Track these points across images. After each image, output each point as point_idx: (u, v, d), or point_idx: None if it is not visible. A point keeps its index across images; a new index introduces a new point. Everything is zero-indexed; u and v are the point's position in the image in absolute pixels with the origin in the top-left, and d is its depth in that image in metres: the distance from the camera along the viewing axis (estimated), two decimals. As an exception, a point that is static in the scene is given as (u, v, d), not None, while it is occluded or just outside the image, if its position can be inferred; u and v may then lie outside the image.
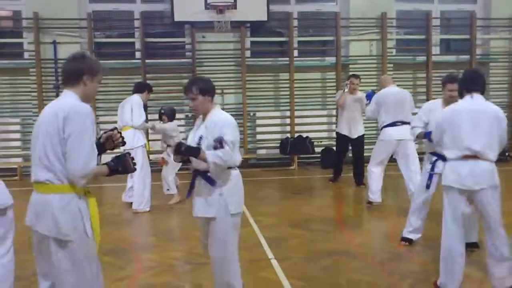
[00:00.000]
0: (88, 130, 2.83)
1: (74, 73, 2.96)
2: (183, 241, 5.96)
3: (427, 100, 11.32)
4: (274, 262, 4.99)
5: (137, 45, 11.01)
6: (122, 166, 3.05)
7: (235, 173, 3.78)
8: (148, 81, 9.41)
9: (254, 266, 4.89)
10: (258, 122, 11.36)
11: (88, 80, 2.98)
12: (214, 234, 3.71)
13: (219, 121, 3.65)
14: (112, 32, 11.33)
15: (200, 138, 3.65)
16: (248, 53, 11.20)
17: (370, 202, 7.29)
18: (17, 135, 10.87)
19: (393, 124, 7.00)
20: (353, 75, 8.89)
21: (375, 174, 7.21)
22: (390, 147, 7.04)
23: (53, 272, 2.93)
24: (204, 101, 3.69)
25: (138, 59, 10.87)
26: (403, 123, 6.94)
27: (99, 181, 8.63)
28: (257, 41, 11.51)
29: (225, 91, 11.02)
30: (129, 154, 3.13)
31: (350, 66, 11.24)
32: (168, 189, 7.75)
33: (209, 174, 3.64)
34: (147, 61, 10.74)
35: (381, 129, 7.15)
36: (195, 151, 3.58)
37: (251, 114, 11.30)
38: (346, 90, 8.71)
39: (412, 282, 4.44)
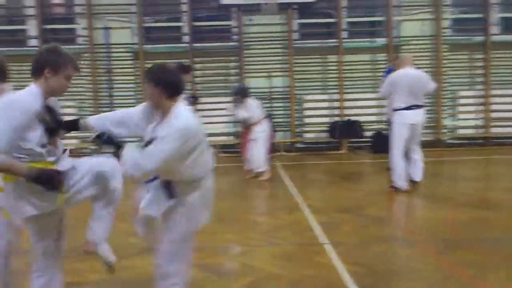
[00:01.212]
0: (10, 117, 2.70)
1: (36, 66, 2.92)
2: (234, 224, 5.96)
3: (485, 82, 10.93)
4: (328, 247, 4.90)
5: (185, 29, 11.03)
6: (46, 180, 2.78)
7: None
8: (195, 65, 9.46)
9: (307, 250, 4.83)
10: (306, 105, 11.23)
11: (49, 74, 2.88)
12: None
13: (177, 130, 3.07)
14: (161, 16, 11.39)
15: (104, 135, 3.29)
16: (295, 35, 11.07)
17: (394, 187, 7.04)
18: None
19: (408, 108, 6.87)
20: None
21: (397, 159, 7.01)
22: (406, 130, 6.90)
23: None
24: (158, 94, 3.11)
25: (185, 43, 10.90)
26: (418, 106, 6.87)
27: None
28: (305, 23, 11.33)
29: (272, 74, 10.93)
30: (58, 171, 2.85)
31: (402, 47, 10.92)
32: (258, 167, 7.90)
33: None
34: (194, 45, 10.76)
35: (395, 111, 6.98)
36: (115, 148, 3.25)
37: (299, 97, 11.18)
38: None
39: (475, 273, 4.26)
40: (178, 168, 3.13)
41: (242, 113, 8.03)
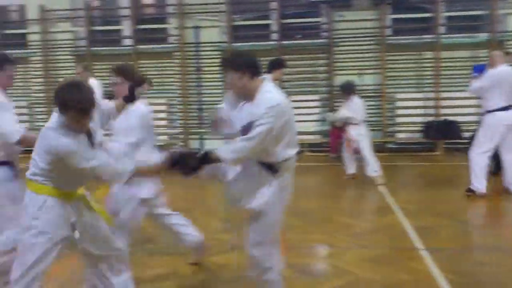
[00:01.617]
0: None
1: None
2: (324, 224, 5.74)
3: None
4: (424, 253, 4.57)
5: (274, 27, 10.95)
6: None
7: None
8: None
9: (401, 255, 4.55)
10: (398, 104, 10.76)
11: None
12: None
13: (263, 102, 3.01)
14: (250, 14, 11.38)
15: (249, 124, 3.04)
16: (388, 31, 10.62)
17: (471, 191, 6.52)
18: (163, 115, 11.40)
19: (505, 108, 6.35)
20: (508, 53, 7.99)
21: (480, 163, 6.49)
22: (499, 132, 6.38)
23: None
24: (241, 79, 3.04)
25: (274, 40, 10.80)
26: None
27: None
28: (399, 18, 10.84)
29: (363, 71, 10.56)
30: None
31: (507, 42, 10.16)
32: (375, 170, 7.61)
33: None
34: (283, 42, 10.63)
35: (488, 112, 6.45)
36: (211, 160, 3.08)
37: (391, 96, 10.73)
38: None
39: None
40: (274, 148, 3.03)
41: (344, 112, 7.72)
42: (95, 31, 11.69)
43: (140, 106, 3.78)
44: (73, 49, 11.61)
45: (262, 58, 10.39)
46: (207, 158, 3.02)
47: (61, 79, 11.24)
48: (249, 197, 3.13)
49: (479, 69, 6.87)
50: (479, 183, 6.49)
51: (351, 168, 7.88)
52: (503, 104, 6.36)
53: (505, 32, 10.27)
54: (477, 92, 6.73)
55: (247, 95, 3.06)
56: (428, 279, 3.98)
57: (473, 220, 5.75)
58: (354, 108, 7.60)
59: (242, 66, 3.00)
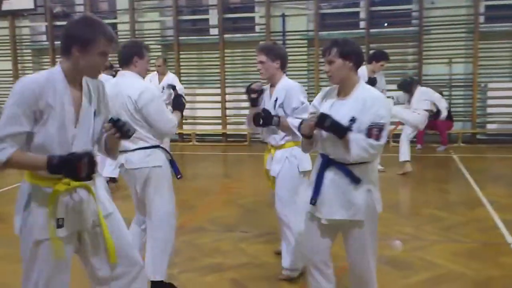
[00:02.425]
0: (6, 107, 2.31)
1: (64, 43, 2.40)
2: (412, 216, 5.79)
3: None
4: (516, 249, 4.55)
5: (362, 14, 10.88)
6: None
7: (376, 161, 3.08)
8: (370, 51, 9.27)
9: (491, 250, 4.55)
10: (490, 94, 10.41)
11: (77, 52, 2.36)
12: (355, 241, 2.99)
13: (378, 99, 2.88)
14: (338, 2, 11.34)
15: (353, 119, 2.83)
16: (482, 19, 10.27)
17: None
18: (247, 104, 11.62)
19: None
20: None
21: None
22: None
23: None
24: (345, 68, 2.88)
25: (362, 28, 10.75)
26: None
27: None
28: (493, 5, 10.46)
29: (453, 60, 10.30)
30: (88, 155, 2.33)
31: None
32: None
33: (346, 167, 2.89)
34: (371, 30, 10.56)
35: None
36: (342, 131, 2.79)
37: (482, 85, 10.40)
38: None
39: None
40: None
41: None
42: (182, 20, 11.97)
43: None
44: (161, 38, 12.01)
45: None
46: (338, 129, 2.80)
47: (149, 70, 11.78)
48: (335, 207, 2.97)
49: None
50: None
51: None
52: None
53: None
54: None
55: (345, 88, 2.94)
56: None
57: None
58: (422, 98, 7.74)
59: (352, 56, 2.87)
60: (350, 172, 2.87)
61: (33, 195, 2.41)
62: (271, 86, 3.99)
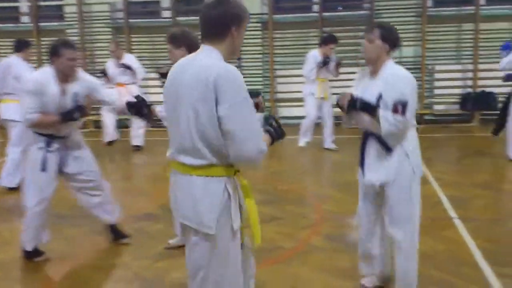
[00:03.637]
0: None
1: (220, 23, 2.31)
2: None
3: None
4: (458, 222, 4.85)
5: (316, -2, 11.05)
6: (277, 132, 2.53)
7: (414, 130, 3.35)
8: (324, 35, 9.46)
9: (436, 225, 4.80)
10: (437, 76, 10.82)
11: (236, 32, 2.33)
12: (394, 204, 3.31)
13: (400, 77, 3.13)
14: (292, -14, 11.45)
15: (380, 97, 3.10)
16: (430, 3, 10.62)
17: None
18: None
19: None
20: None
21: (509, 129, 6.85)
22: None
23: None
24: (381, 49, 3.16)
25: (315, 12, 10.93)
26: None
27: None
28: (441, -10, 10.84)
29: (403, 43, 10.60)
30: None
31: (548, 14, 10.08)
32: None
33: (382, 139, 3.21)
34: (324, 14, 10.75)
35: None
36: (373, 110, 3.10)
37: (430, 67, 10.80)
38: None
39: None
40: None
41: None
42: (132, 2, 11.74)
43: None
44: (111, 21, 11.73)
45: (303, 30, 10.72)
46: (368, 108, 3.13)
47: (98, 52, 11.59)
48: (377, 170, 3.32)
49: (506, 48, 7.07)
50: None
51: None
52: None
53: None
54: (508, 67, 6.94)
55: (376, 67, 3.21)
56: (461, 248, 4.24)
57: (507, 189, 5.93)
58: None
59: (388, 39, 3.15)
60: (384, 143, 3.20)
61: (227, 188, 2.33)
62: None
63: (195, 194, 2.29)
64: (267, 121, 2.50)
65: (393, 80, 3.09)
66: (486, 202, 5.47)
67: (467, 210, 5.20)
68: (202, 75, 2.18)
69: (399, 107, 3.03)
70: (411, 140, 3.28)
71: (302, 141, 8.46)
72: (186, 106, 2.22)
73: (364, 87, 3.26)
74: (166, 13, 11.59)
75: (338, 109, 3.45)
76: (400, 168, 3.23)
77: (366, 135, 3.34)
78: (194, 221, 2.31)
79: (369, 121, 3.18)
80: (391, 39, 3.17)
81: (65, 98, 4.06)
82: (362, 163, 3.41)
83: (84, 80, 4.22)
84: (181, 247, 4.21)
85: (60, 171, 4.22)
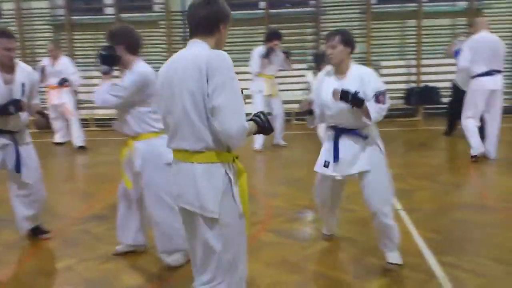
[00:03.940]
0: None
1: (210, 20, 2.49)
2: (309, 190, 6.06)
3: None
4: (403, 213, 4.96)
5: (262, -4, 11.06)
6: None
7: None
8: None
9: (382, 216, 4.89)
10: (383, 71, 11.04)
11: (223, 28, 2.55)
12: (372, 182, 3.76)
13: (371, 74, 3.64)
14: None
15: (356, 93, 3.47)
16: (374, 0, 10.83)
17: (474, 156, 6.87)
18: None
19: (488, 73, 6.64)
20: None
21: (470, 127, 6.87)
22: (483, 97, 6.71)
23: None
24: (344, 52, 3.61)
25: (262, 9, 10.94)
26: (497, 71, 6.66)
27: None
28: (383, -13, 11.07)
29: (348, 40, 10.76)
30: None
31: (484, 11, 10.45)
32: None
33: (357, 130, 3.68)
34: (270, 11, 10.78)
35: (474, 77, 6.76)
36: (361, 103, 3.49)
37: (376, 63, 11.01)
38: (460, 39, 8.27)
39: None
40: None
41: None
42: (74, -1, 11.51)
43: None
44: (51, 18, 11.43)
45: (250, 27, 10.71)
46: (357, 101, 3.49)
47: (38, 51, 11.21)
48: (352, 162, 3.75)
49: (457, 54, 7.16)
50: (474, 144, 6.87)
51: None
52: (484, 69, 6.64)
53: (482, 1, 10.56)
54: (464, 65, 6.87)
55: (342, 68, 3.68)
56: (406, 238, 4.30)
57: (450, 180, 6.11)
58: None
59: (350, 44, 3.64)
60: (361, 134, 3.68)
61: (227, 173, 2.46)
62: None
63: (197, 181, 2.41)
64: (256, 113, 2.61)
65: (368, 77, 3.58)
66: (429, 194, 5.62)
67: (412, 201, 5.33)
68: (195, 62, 2.35)
69: (381, 97, 3.52)
70: (374, 128, 3.79)
71: (258, 144, 8.24)
72: (183, 92, 2.36)
73: (331, 86, 3.63)
74: (109, 10, 11.33)
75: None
76: (375, 154, 3.74)
77: (338, 131, 3.74)
78: (197, 207, 2.42)
79: (353, 113, 3.59)
80: (351, 42, 3.62)
81: (11, 88, 3.97)
82: (336, 157, 3.75)
83: (29, 73, 4.14)
84: (127, 253, 4.15)
85: (4, 167, 4.11)
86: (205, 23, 2.48)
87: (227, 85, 2.33)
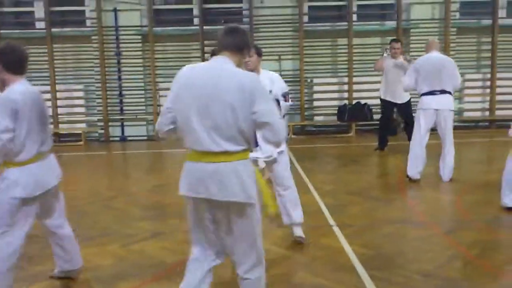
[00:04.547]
0: None
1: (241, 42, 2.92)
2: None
3: (492, 65, 10.92)
4: (336, 229, 4.99)
5: (195, 11, 11.03)
6: None
7: None
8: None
9: (316, 232, 4.91)
10: (316, 88, 11.26)
11: (246, 52, 3.00)
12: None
13: (278, 76, 4.46)
14: (170, -2, 11.39)
15: (270, 91, 4.09)
16: (306, 18, 11.06)
17: (408, 177, 6.82)
18: (81, 101, 11.22)
19: (431, 93, 6.62)
20: (394, 40, 8.83)
21: (411, 148, 6.82)
22: (429, 117, 6.65)
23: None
24: (258, 61, 4.29)
25: (196, 25, 10.90)
26: (442, 92, 6.60)
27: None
28: (315, 6, 11.34)
29: (282, 57, 10.92)
30: None
31: (412, 30, 10.92)
32: None
33: None
34: (205, 27, 10.76)
35: (420, 97, 6.78)
36: (278, 102, 4.21)
37: (308, 80, 11.21)
38: (385, 54, 8.61)
39: (480, 252, 4.35)
40: None
41: None
42: (3, 12, 11.19)
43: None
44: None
45: (184, 43, 10.61)
46: None
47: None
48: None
49: None
50: (413, 170, 6.78)
51: None
52: (427, 89, 6.63)
53: (410, 21, 11.02)
54: (409, 83, 6.86)
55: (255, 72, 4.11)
56: (339, 253, 4.36)
57: (381, 196, 6.24)
58: None
59: (260, 53, 4.36)
60: None
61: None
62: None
63: (242, 175, 2.81)
64: None
65: (277, 79, 4.38)
66: (361, 209, 5.70)
67: (344, 217, 5.38)
68: (237, 81, 2.76)
69: (288, 97, 4.39)
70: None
71: None
72: (223, 104, 2.73)
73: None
74: (40, 24, 11.00)
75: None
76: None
77: None
78: (243, 197, 2.81)
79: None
80: (261, 53, 4.36)
81: None
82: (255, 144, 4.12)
83: None
84: (61, 278, 3.94)
85: None
86: (239, 43, 2.90)
87: (272, 105, 2.95)
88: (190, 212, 2.99)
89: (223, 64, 2.86)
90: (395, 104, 8.70)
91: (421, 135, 6.73)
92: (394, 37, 9.10)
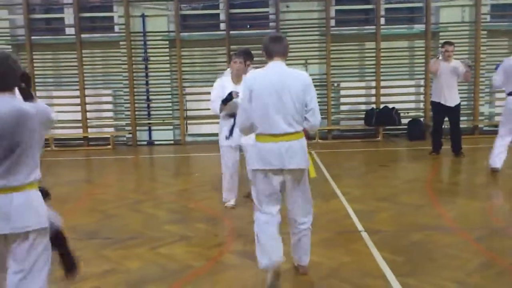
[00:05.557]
0: None
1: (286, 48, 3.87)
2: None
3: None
4: (365, 235, 4.93)
5: (222, 17, 11.08)
6: None
7: None
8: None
9: (344, 238, 4.88)
10: (342, 92, 11.18)
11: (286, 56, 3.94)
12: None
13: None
14: (198, 4, 11.44)
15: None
16: (332, 22, 11.00)
17: (492, 168, 7.24)
18: (109, 106, 11.37)
19: None
20: (447, 42, 8.53)
21: (499, 142, 7.20)
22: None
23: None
24: (246, 66, 5.51)
25: (222, 30, 10.95)
26: None
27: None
28: (342, 10, 11.27)
29: (308, 61, 10.88)
30: None
31: (441, 33, 10.76)
32: None
33: None
34: (231, 32, 10.80)
35: (507, 96, 7.11)
36: None
37: (335, 84, 11.13)
38: (440, 57, 8.39)
39: (513, 260, 4.25)
40: None
41: None
42: (35, 19, 11.37)
43: None
44: (11, 38, 11.26)
45: (210, 48, 10.67)
46: None
47: None
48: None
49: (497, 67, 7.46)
50: (495, 161, 7.20)
51: None
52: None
53: (439, 24, 10.85)
54: (498, 84, 7.27)
55: (240, 79, 5.57)
56: (368, 259, 4.30)
57: (410, 202, 6.14)
58: None
59: (249, 58, 5.78)
60: None
61: None
62: None
63: (305, 148, 3.85)
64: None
65: None
66: (389, 215, 5.62)
67: (373, 223, 5.31)
68: (300, 79, 3.76)
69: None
70: None
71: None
72: (291, 95, 3.68)
73: (231, 88, 5.61)
74: (70, 30, 11.18)
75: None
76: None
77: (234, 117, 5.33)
78: (305, 165, 3.85)
79: None
80: (252, 58, 5.63)
81: None
82: (231, 133, 5.83)
83: None
84: None
85: None
86: (285, 49, 3.85)
87: (315, 96, 3.82)
88: (261, 182, 3.81)
89: (282, 67, 3.80)
90: (446, 108, 8.55)
91: (506, 132, 7.16)
92: (447, 40, 8.85)
